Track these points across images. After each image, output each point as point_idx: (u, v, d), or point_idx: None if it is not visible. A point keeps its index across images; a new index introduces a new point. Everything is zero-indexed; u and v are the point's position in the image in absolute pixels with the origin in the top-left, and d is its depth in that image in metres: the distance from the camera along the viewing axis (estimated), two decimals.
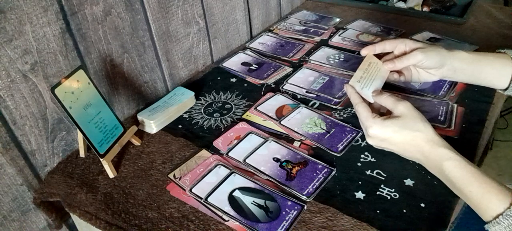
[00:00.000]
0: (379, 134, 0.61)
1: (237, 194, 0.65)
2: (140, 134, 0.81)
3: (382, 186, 0.65)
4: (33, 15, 0.64)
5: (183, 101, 0.86)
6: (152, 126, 0.81)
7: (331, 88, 0.90)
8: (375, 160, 0.70)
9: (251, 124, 0.81)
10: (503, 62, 0.69)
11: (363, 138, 0.74)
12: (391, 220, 0.59)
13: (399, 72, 0.72)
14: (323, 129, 0.78)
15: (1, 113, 0.65)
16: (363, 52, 0.72)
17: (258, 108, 0.85)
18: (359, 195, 0.63)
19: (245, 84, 0.95)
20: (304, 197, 0.63)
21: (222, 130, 0.80)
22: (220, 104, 0.88)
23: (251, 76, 0.98)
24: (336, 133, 0.76)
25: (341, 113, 0.82)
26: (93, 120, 0.69)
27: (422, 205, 0.61)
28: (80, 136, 0.73)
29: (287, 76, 0.96)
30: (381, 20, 1.22)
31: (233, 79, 0.98)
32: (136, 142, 0.78)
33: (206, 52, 1.05)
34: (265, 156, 0.72)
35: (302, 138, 0.76)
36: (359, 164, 0.69)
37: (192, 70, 1.02)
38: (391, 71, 0.71)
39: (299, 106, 0.84)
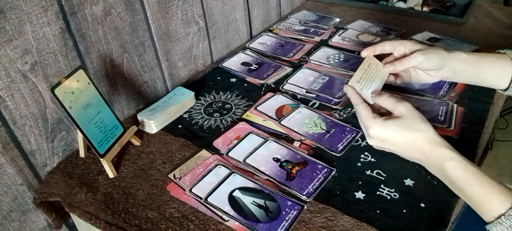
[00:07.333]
0: (380, 134, 0.61)
1: (237, 194, 0.65)
2: (140, 134, 0.81)
3: (382, 186, 0.65)
4: (33, 15, 0.64)
5: (183, 101, 0.86)
6: (152, 126, 0.81)
7: (331, 88, 0.90)
8: (375, 160, 0.70)
9: (251, 124, 0.81)
10: (503, 63, 0.69)
11: (363, 138, 0.74)
12: (391, 220, 0.59)
13: (395, 74, 0.72)
14: (323, 129, 0.77)
15: (1, 113, 0.65)
16: (363, 53, 0.72)
17: (258, 108, 0.85)
18: (359, 195, 0.64)
19: (245, 84, 0.95)
20: (304, 197, 0.63)
21: (222, 130, 0.80)
22: (220, 104, 0.88)
23: (251, 76, 0.98)
24: (336, 133, 0.76)
25: (341, 113, 0.82)
26: (93, 120, 0.69)
27: (422, 205, 0.61)
28: (80, 136, 0.73)
29: (287, 76, 0.96)
30: (381, 20, 1.22)
31: (233, 79, 0.97)
32: (136, 142, 0.78)
33: (206, 52, 1.05)
34: (265, 156, 0.72)
35: (302, 138, 0.76)
36: (359, 164, 0.69)
37: (192, 70, 1.02)
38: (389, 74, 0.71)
39: (299, 106, 0.84)
